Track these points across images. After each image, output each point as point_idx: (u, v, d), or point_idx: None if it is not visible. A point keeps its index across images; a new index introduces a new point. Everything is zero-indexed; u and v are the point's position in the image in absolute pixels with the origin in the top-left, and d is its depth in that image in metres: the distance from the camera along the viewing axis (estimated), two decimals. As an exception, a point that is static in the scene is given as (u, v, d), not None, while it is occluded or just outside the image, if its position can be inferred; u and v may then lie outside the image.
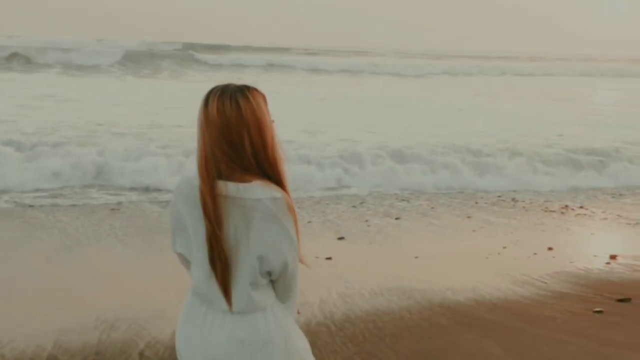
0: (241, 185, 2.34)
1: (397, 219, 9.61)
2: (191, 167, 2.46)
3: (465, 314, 5.95)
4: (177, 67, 44.42)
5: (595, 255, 8.03)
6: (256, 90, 2.42)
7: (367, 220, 9.48)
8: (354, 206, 10.41)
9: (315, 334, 5.45)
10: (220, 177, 2.34)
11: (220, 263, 2.37)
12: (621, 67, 64.53)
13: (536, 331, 5.58)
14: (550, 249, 8.24)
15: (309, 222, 9.24)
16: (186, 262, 2.61)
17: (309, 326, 5.61)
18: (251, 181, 2.36)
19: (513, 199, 11.28)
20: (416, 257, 7.71)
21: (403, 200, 11.04)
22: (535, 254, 8.03)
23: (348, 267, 7.34)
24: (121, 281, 6.68)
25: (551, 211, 10.44)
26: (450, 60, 63.34)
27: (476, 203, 10.91)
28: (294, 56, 57.36)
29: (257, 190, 2.35)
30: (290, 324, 2.62)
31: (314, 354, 5.04)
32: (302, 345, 2.65)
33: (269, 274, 2.51)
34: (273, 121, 2.46)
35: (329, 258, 7.63)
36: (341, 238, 8.57)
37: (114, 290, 6.38)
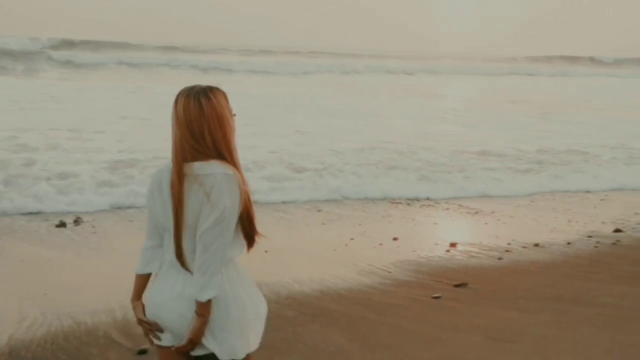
0: (201, 163, 2.81)
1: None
2: (163, 162, 2.98)
3: (310, 305, 6.03)
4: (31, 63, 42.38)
5: (436, 244, 8.37)
6: (218, 89, 2.90)
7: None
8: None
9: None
10: (187, 161, 2.82)
11: (177, 230, 2.84)
12: (464, 65, 67.31)
13: (378, 318, 5.75)
14: (395, 239, 8.51)
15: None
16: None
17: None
18: (207, 161, 2.82)
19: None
20: (266, 252, 7.74)
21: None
22: (381, 244, 8.27)
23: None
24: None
25: (397, 203, 10.79)
26: (292, 57, 63.93)
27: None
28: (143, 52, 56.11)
29: (214, 167, 2.80)
30: (244, 287, 2.98)
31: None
32: (252, 309, 2.99)
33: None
34: (235, 114, 2.94)
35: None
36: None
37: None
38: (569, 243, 8.57)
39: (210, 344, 2.88)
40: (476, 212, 10.34)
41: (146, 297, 3.03)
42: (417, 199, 11.10)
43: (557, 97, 37.12)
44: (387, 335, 5.35)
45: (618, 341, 5.30)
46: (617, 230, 9.31)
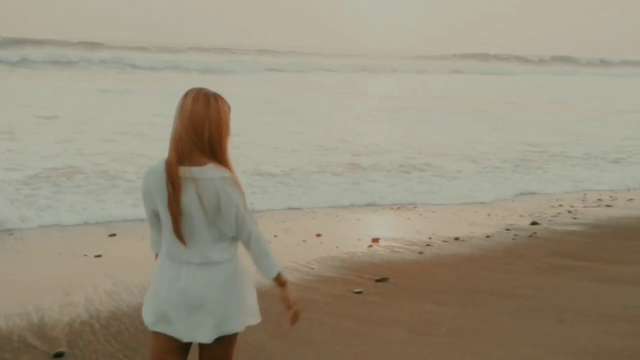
0: (199, 168, 3.00)
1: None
2: (154, 161, 3.12)
3: (232, 303, 5.99)
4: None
5: (359, 240, 8.42)
6: (223, 99, 3.14)
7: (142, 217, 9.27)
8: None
9: (79, 335, 5.23)
10: (183, 161, 3.00)
11: (174, 211, 3.01)
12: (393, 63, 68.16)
13: (301, 315, 5.73)
14: (318, 235, 8.53)
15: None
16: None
17: (72, 327, 5.38)
18: (206, 164, 3.01)
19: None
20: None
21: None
22: (304, 241, 8.27)
23: (118, 264, 7.14)
24: None
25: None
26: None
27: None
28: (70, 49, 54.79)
29: (211, 171, 3.01)
30: (243, 280, 3.28)
31: (75, 355, 4.85)
32: (250, 301, 3.36)
33: (231, 234, 3.16)
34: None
35: (99, 255, 7.37)
36: (112, 235, 8.32)
37: None
38: (488, 236, 8.75)
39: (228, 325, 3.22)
40: (399, 208, 10.45)
41: (157, 291, 3.19)
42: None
43: (485, 95, 37.88)
44: (308, 331, 5.34)
45: (532, 330, 5.43)
46: (534, 223, 9.55)
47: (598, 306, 6.04)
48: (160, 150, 13.27)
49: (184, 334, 3.17)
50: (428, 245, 8.23)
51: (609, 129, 22.18)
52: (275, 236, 8.37)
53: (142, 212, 8.35)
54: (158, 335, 3.21)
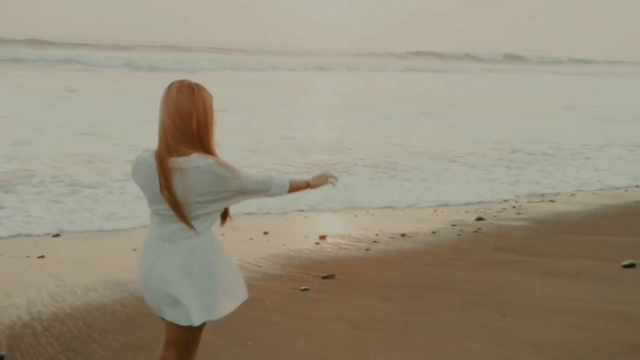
0: (185, 158, 3.11)
1: (112, 213, 9.36)
2: (140, 152, 3.29)
3: (178, 302, 5.94)
4: None
5: (306, 237, 8.43)
6: (205, 89, 3.26)
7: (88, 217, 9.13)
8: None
9: (20, 337, 5.12)
10: (171, 153, 3.12)
11: (171, 199, 3.12)
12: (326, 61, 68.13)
13: (246, 312, 5.67)
14: (266, 233, 8.52)
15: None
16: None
17: (13, 330, 5.27)
18: (190, 154, 3.12)
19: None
20: (134, 250, 7.57)
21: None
22: (251, 238, 8.25)
23: (62, 265, 7.02)
24: None
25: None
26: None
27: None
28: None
29: (196, 160, 3.11)
30: (223, 255, 3.38)
31: (15, 358, 4.75)
32: (228, 274, 3.41)
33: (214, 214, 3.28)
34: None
35: (42, 256, 7.24)
36: (56, 235, 8.18)
37: None
38: (433, 232, 8.83)
39: (190, 309, 3.26)
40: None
41: (146, 269, 3.35)
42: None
43: (439, 93, 38.23)
44: (253, 329, 5.32)
45: (476, 324, 5.49)
46: (479, 219, 9.68)
47: (540, 300, 6.14)
48: (103, 149, 13.02)
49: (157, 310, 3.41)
50: (375, 241, 8.28)
51: (558, 127, 22.59)
52: (222, 234, 8.30)
53: (87, 215, 8.07)
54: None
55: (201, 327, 3.42)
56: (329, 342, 5.11)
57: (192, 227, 3.21)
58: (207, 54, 63.87)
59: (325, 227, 9.11)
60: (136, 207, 9.32)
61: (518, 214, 10.18)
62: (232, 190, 3.22)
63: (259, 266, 7.13)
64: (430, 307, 5.94)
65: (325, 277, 6.75)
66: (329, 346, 5.03)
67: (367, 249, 7.90)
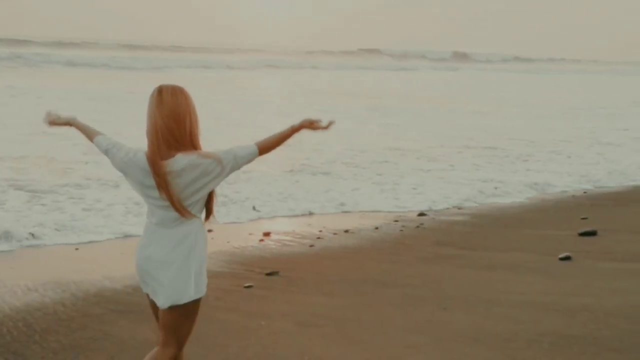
0: (171, 160, 3.30)
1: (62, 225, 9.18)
2: (131, 152, 3.43)
3: (120, 302, 5.85)
4: None
5: (250, 234, 8.41)
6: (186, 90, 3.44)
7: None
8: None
9: (-44, 340, 5.00)
10: (162, 156, 3.30)
11: (170, 198, 3.32)
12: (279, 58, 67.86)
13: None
14: (210, 230, 8.46)
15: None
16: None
17: (-51, 332, 5.14)
18: (175, 155, 3.30)
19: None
20: (76, 249, 7.47)
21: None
22: (196, 237, 8.19)
23: (1, 266, 6.88)
24: None
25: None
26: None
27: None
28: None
29: (181, 160, 3.29)
30: (204, 237, 3.55)
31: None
32: (205, 253, 3.60)
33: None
34: None
35: (-20, 257, 7.09)
36: (-3, 235, 8.00)
37: None
38: (376, 228, 8.91)
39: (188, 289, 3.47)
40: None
41: (143, 254, 3.48)
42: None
43: (386, 91, 38.44)
44: (196, 327, 5.27)
45: (416, 318, 5.56)
46: (421, 214, 9.79)
47: (479, 292, 6.25)
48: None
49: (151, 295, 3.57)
50: (319, 238, 8.31)
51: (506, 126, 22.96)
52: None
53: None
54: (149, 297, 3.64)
55: (197, 304, 3.62)
56: (273, 338, 5.11)
57: (190, 216, 3.41)
58: (160, 52, 62.82)
59: (269, 224, 9.10)
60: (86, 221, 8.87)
61: (459, 209, 10.34)
62: (217, 175, 3.38)
63: (203, 264, 7.08)
64: (373, 302, 5.99)
65: (269, 274, 6.75)
66: (272, 342, 5.03)
67: (311, 246, 7.92)
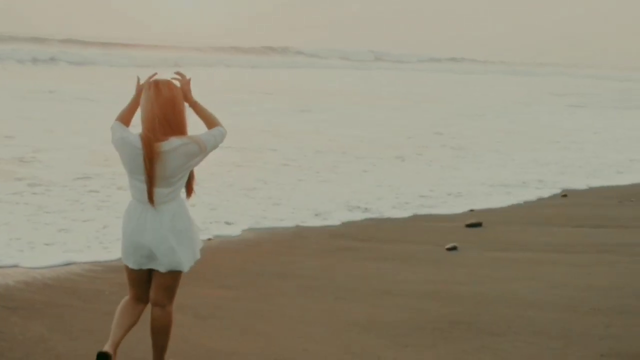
0: (165, 142, 3.75)
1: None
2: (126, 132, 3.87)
3: (12, 298, 5.65)
4: None
5: (149, 229, 8.31)
6: None
7: None
8: None
9: None
10: (157, 138, 3.73)
11: (151, 178, 3.76)
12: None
13: (83, 305, 5.56)
14: (104, 227, 8.32)
15: None
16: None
17: None
18: (168, 138, 3.76)
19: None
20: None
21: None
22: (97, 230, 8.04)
23: None
24: None
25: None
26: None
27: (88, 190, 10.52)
28: None
29: (174, 142, 3.76)
30: (186, 213, 4.01)
31: None
32: (195, 229, 4.10)
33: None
34: None
35: None
36: None
37: None
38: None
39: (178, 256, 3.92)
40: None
41: (128, 227, 3.91)
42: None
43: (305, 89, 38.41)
44: (90, 322, 5.19)
45: (310, 309, 5.65)
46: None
47: (372, 283, 6.39)
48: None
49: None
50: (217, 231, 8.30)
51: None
52: (63, 230, 8.06)
53: None
54: (126, 267, 4.06)
55: (180, 273, 4.07)
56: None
57: (153, 203, 3.82)
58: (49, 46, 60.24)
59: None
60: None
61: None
62: (199, 157, 3.88)
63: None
64: (269, 294, 6.04)
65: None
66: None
67: (209, 239, 7.89)
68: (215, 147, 3.95)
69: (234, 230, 8.36)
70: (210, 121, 4.02)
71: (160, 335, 4.16)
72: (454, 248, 7.62)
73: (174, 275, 4.04)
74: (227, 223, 8.69)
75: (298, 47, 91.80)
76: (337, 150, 15.74)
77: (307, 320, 5.38)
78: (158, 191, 3.82)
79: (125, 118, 3.99)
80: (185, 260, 4.00)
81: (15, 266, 6.58)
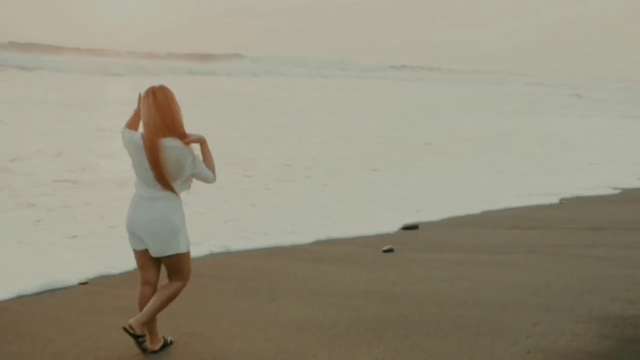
0: (166, 140, 4.26)
1: None
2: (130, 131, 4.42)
3: None
4: None
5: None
6: None
7: None
8: None
9: None
10: (158, 137, 4.24)
11: (158, 176, 4.30)
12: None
13: (22, 309, 5.51)
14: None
15: None
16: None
17: None
18: (166, 138, 4.25)
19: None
20: None
21: None
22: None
23: None
24: None
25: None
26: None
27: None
28: None
29: (171, 143, 4.27)
30: (179, 210, 4.50)
31: None
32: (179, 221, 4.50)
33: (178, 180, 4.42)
34: None
35: None
36: None
37: None
38: (214, 224, 8.95)
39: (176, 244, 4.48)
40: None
41: (132, 217, 4.46)
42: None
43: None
44: (25, 324, 5.14)
45: (245, 309, 5.67)
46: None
47: (306, 284, 6.46)
48: None
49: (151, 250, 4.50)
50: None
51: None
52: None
53: None
54: (134, 251, 4.61)
55: (187, 253, 4.60)
56: (104, 332, 5.07)
57: (170, 189, 4.34)
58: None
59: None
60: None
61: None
62: (190, 164, 4.37)
63: (37, 261, 6.87)
64: (206, 295, 6.06)
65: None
66: (104, 337, 4.99)
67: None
68: (199, 175, 4.45)
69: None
70: (208, 164, 4.47)
71: (158, 296, 4.57)
72: (390, 250, 7.72)
73: (173, 260, 4.54)
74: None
75: (255, 55, 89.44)
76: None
77: (241, 320, 5.42)
78: (153, 188, 4.33)
79: (132, 125, 4.46)
80: (174, 246, 4.46)
81: None
